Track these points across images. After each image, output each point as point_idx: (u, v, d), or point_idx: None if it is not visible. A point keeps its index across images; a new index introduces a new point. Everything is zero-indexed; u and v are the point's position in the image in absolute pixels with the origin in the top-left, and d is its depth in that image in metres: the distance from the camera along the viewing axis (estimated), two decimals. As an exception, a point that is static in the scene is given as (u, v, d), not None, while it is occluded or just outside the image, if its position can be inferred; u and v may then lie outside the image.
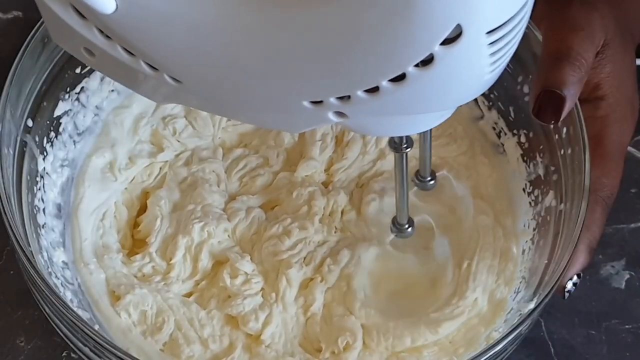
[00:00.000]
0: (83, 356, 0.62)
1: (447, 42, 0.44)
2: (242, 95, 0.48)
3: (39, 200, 0.67)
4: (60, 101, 0.70)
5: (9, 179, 0.63)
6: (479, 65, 0.46)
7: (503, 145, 0.74)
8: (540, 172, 0.70)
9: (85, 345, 0.60)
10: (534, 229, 0.69)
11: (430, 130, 0.61)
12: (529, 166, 0.71)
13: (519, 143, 0.72)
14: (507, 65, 0.70)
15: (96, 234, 0.70)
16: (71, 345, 0.62)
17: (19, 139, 0.66)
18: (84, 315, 0.64)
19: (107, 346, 0.57)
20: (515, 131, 0.72)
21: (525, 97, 0.70)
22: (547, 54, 0.65)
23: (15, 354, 0.69)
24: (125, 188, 0.72)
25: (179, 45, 0.46)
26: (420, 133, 0.62)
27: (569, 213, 0.64)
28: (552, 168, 0.68)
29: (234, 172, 0.73)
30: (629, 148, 0.77)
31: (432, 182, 0.69)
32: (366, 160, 0.74)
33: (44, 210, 0.68)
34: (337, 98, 0.46)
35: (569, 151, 0.66)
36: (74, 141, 0.72)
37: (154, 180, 0.73)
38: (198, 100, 0.51)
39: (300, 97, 0.47)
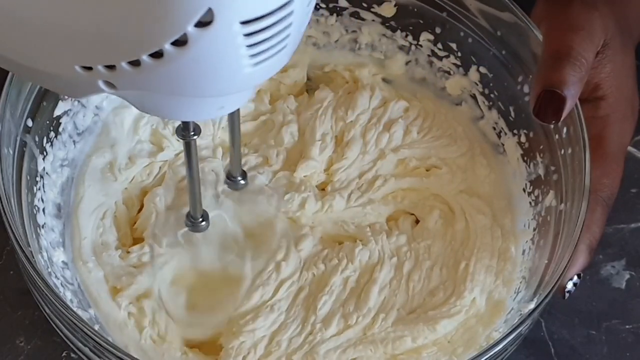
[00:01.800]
0: (83, 356, 0.62)
1: (201, 24, 0.46)
2: (23, 51, 0.50)
3: (38, 200, 0.67)
4: (60, 101, 0.70)
5: (9, 179, 0.63)
6: (235, 55, 0.48)
7: (503, 145, 0.74)
8: (541, 172, 0.70)
9: (85, 345, 0.60)
10: (534, 229, 0.69)
11: (239, 128, 0.63)
12: (529, 166, 0.71)
13: (519, 143, 0.72)
14: (508, 65, 0.71)
15: (96, 233, 0.70)
16: (71, 345, 0.62)
17: (18, 138, 0.66)
18: (84, 315, 0.64)
19: (107, 346, 0.57)
20: (515, 131, 0.72)
21: (526, 97, 0.70)
22: (547, 54, 0.65)
23: (15, 354, 0.69)
24: (125, 188, 0.72)
25: None
26: (230, 127, 0.63)
27: (569, 213, 0.64)
28: (553, 168, 0.68)
29: None
30: (629, 148, 0.77)
31: (243, 182, 0.69)
32: (366, 160, 0.74)
33: (43, 210, 0.68)
34: (105, 67, 0.48)
35: (569, 151, 0.66)
36: (74, 141, 0.72)
37: (153, 180, 0.73)
38: None
39: (72, 61, 0.49)
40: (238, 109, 0.62)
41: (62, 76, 0.50)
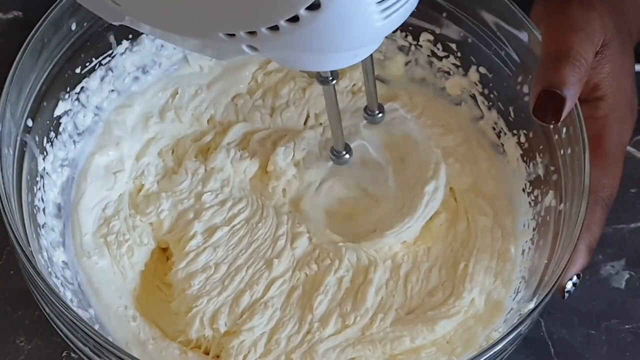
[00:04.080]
0: (83, 356, 0.62)
1: None
2: (169, 21, 0.56)
3: (39, 200, 0.67)
4: (60, 101, 0.70)
5: (9, 179, 0.63)
6: (366, 13, 0.52)
7: (503, 145, 0.74)
8: (540, 172, 0.70)
9: (85, 345, 0.60)
10: (534, 229, 0.69)
11: (372, 65, 0.68)
12: (528, 166, 0.71)
13: (519, 143, 0.72)
14: (508, 65, 0.71)
15: (97, 224, 0.70)
16: (71, 345, 0.62)
17: (19, 138, 0.66)
18: (84, 315, 0.64)
19: (107, 346, 0.58)
20: (515, 131, 0.72)
21: (525, 97, 0.70)
22: (546, 54, 0.65)
23: (15, 354, 0.69)
24: (133, 182, 0.73)
25: None
26: (363, 68, 0.68)
27: (568, 213, 0.64)
28: (552, 168, 0.68)
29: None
30: (629, 148, 0.77)
31: (380, 115, 0.73)
32: None
33: (43, 210, 0.68)
34: (246, 33, 0.54)
35: (569, 151, 0.66)
36: (74, 141, 0.72)
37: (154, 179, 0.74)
38: (137, 22, 0.58)
39: (215, 29, 0.54)
40: None
41: (208, 43, 0.56)
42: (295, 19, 0.52)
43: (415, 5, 0.55)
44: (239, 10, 0.52)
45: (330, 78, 0.64)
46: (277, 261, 0.69)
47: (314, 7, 0.51)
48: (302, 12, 0.51)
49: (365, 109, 0.73)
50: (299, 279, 0.69)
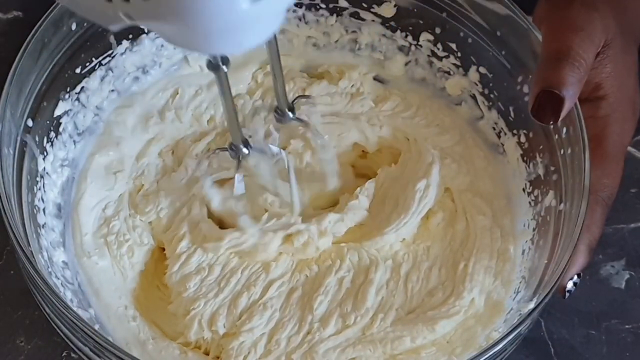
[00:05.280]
0: (83, 356, 0.62)
1: None
2: None
3: (39, 200, 0.67)
4: (60, 101, 0.70)
5: (9, 179, 0.63)
6: None
7: (503, 145, 0.74)
8: (540, 172, 0.70)
9: (85, 345, 0.60)
10: (534, 229, 0.69)
11: (278, 58, 0.64)
12: (528, 166, 0.71)
13: (519, 143, 0.72)
14: (508, 65, 0.71)
15: (97, 224, 0.70)
16: (71, 345, 0.62)
17: (19, 138, 0.66)
18: (84, 315, 0.64)
19: (107, 346, 0.58)
20: (515, 131, 0.72)
21: (525, 97, 0.70)
22: (546, 54, 0.65)
23: (15, 354, 0.69)
24: (133, 182, 0.73)
25: None
26: (270, 63, 0.64)
27: (568, 213, 0.65)
28: (552, 168, 0.68)
29: None
30: (629, 148, 0.77)
31: (291, 114, 0.69)
32: None
33: (44, 210, 0.68)
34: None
35: (569, 151, 0.66)
36: (74, 141, 0.72)
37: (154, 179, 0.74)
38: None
39: None
40: (275, 39, 0.62)
41: (94, 7, 0.54)
42: None
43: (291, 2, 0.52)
44: None
45: (220, 64, 0.60)
46: (275, 264, 0.69)
47: None
48: None
49: (276, 109, 0.69)
50: (299, 280, 0.69)
